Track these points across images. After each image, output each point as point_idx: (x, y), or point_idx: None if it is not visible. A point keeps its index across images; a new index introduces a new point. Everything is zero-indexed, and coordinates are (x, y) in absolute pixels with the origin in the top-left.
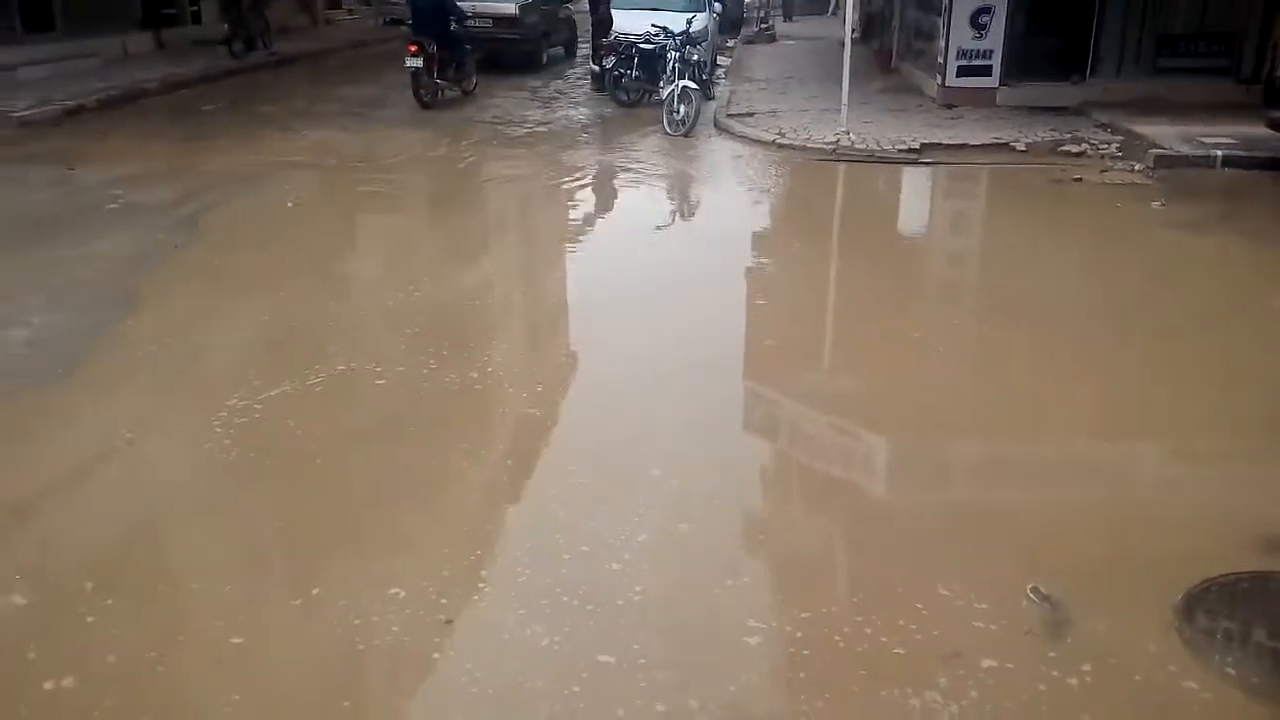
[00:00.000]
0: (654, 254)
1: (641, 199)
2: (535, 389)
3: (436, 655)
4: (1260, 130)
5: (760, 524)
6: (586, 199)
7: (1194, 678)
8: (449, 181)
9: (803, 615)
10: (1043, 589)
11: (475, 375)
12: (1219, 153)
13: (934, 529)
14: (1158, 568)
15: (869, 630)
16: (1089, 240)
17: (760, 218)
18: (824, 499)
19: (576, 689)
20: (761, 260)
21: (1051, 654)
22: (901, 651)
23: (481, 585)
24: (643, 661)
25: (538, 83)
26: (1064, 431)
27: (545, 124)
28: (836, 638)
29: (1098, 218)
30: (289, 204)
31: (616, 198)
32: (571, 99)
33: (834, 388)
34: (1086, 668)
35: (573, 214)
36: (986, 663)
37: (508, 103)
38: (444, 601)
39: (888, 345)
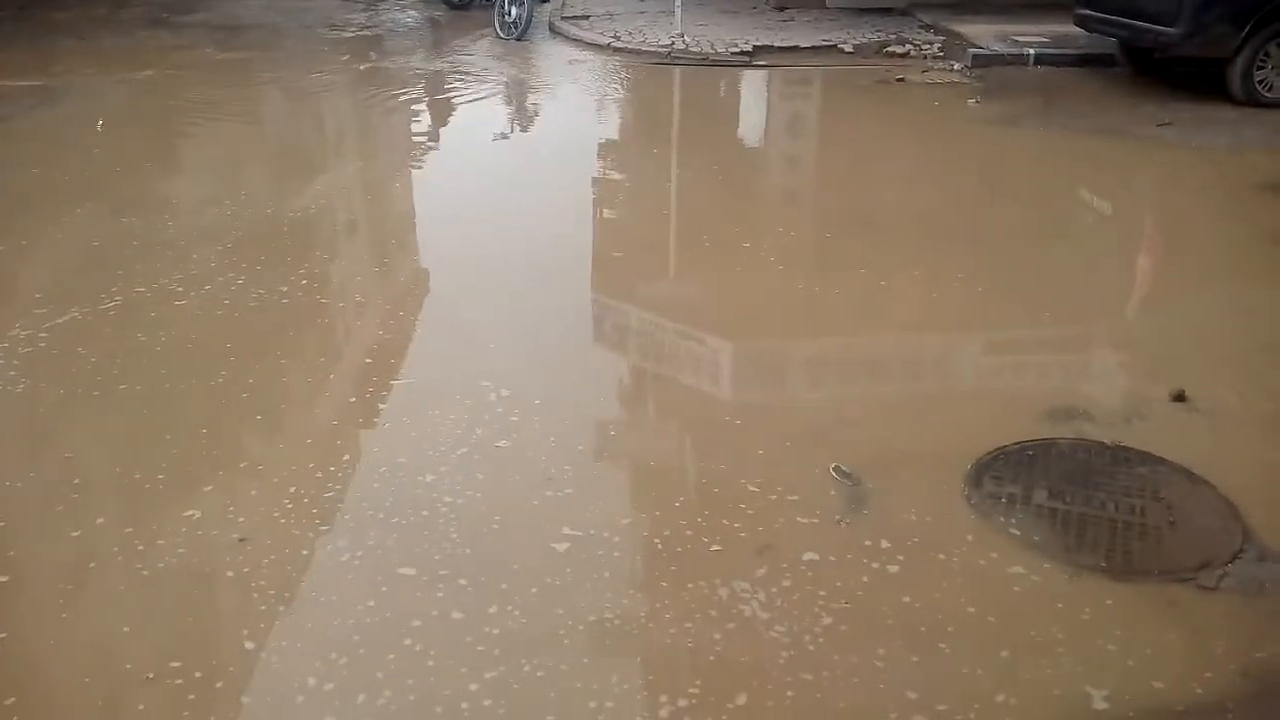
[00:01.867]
0: (494, 164)
1: (477, 107)
2: (362, 302)
3: (230, 574)
4: (1070, 28)
5: (584, 436)
6: (419, 108)
7: (977, 537)
8: (270, 93)
9: (620, 522)
10: (844, 467)
11: (289, 290)
12: (1032, 51)
13: (750, 426)
14: (954, 443)
15: (686, 531)
16: (910, 139)
17: (599, 124)
18: (652, 407)
19: (371, 603)
20: (603, 169)
21: (845, 521)
22: (718, 548)
23: (286, 504)
24: (444, 572)
25: None
26: (879, 330)
27: (369, 28)
28: (654, 540)
29: (918, 116)
30: (98, 123)
31: (450, 106)
32: (399, 2)
33: (666, 297)
34: (885, 542)
35: (405, 124)
36: (798, 550)
37: (329, 5)
38: (241, 520)
39: (725, 253)
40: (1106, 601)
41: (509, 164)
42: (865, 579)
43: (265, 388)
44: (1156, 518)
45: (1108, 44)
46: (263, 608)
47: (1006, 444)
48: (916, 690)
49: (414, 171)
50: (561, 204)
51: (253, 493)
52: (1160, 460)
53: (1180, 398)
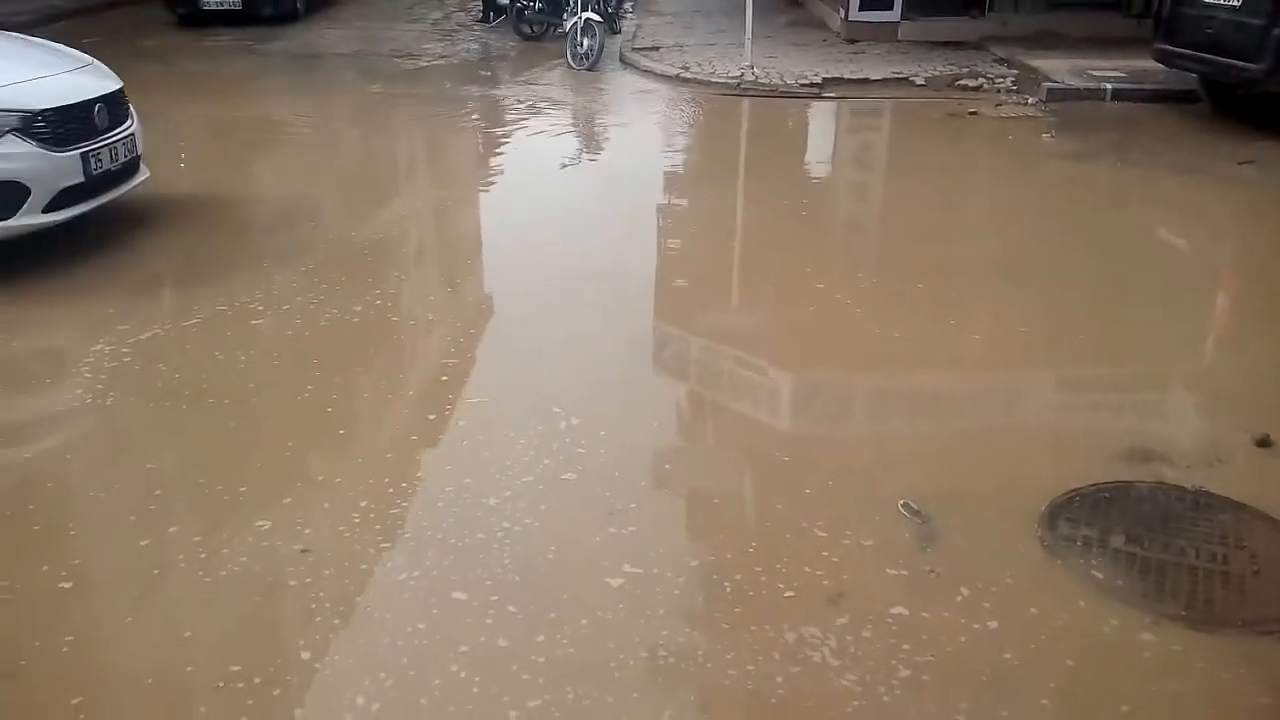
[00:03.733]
0: (564, 192)
1: (548, 136)
2: (438, 327)
3: (292, 583)
4: (1148, 63)
5: (651, 472)
6: (491, 136)
7: (1051, 581)
8: (349, 119)
9: (683, 561)
10: (913, 504)
11: (372, 312)
12: (1108, 86)
13: (824, 465)
14: (1026, 484)
15: (753, 572)
16: (983, 173)
17: (667, 154)
18: (714, 447)
19: (422, 625)
20: (669, 199)
21: (934, 572)
22: (790, 594)
23: (354, 518)
24: (495, 598)
25: (438, 14)
26: (948, 368)
27: (445, 57)
28: (719, 581)
29: (991, 151)
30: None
31: (522, 135)
32: (473, 32)
33: (733, 330)
34: (961, 586)
35: (477, 151)
36: (873, 596)
37: (406, 36)
38: (308, 533)
39: (792, 286)
40: (1186, 652)
41: (579, 192)
42: (944, 622)
43: (348, 403)
44: (1239, 566)
45: (1187, 80)
46: (319, 620)
47: (1081, 486)
48: None
49: (485, 198)
50: (631, 232)
51: (325, 505)
52: (1243, 507)
53: (1265, 443)
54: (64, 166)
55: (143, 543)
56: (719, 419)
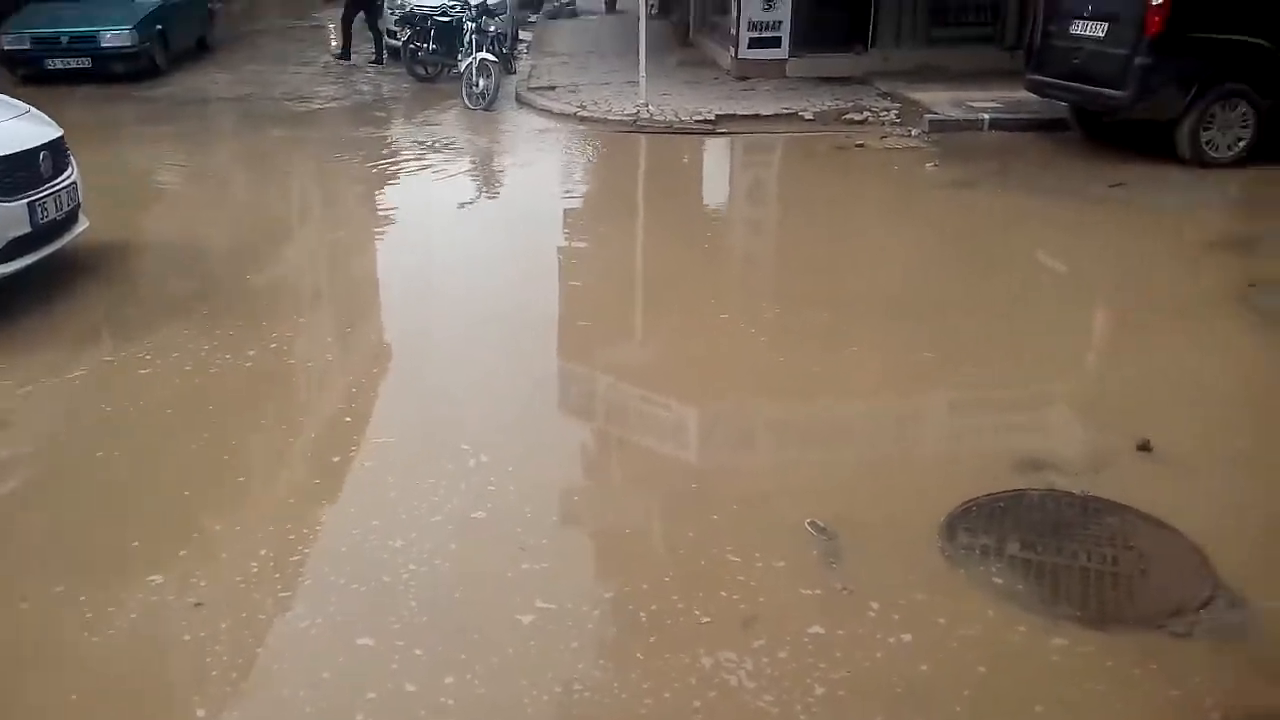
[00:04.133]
0: (463, 232)
1: (445, 176)
2: (338, 369)
3: (186, 638)
4: (1022, 94)
5: (561, 507)
6: (390, 176)
7: (952, 589)
8: (246, 161)
9: (597, 594)
10: (819, 523)
11: (268, 356)
12: (986, 116)
13: (731, 493)
14: (925, 499)
15: (669, 601)
16: (872, 203)
17: (567, 192)
18: (622, 480)
19: (326, 675)
20: (571, 236)
21: (847, 590)
22: (706, 619)
23: (252, 567)
24: (401, 642)
25: (328, 58)
26: (850, 393)
27: (338, 100)
28: (634, 611)
29: (878, 181)
30: None
31: (419, 176)
32: (365, 74)
33: (637, 366)
34: (871, 601)
35: (377, 192)
36: (788, 618)
37: (296, 79)
38: (203, 585)
39: (695, 319)
40: (1085, 651)
41: (480, 232)
42: (858, 639)
43: (246, 450)
44: (1129, 566)
45: (1059, 109)
46: (215, 675)
47: (976, 497)
48: None
49: (384, 240)
50: (533, 271)
51: (222, 556)
52: (1129, 509)
53: (1145, 447)
54: (12, 216)
55: (23, 605)
56: (627, 453)
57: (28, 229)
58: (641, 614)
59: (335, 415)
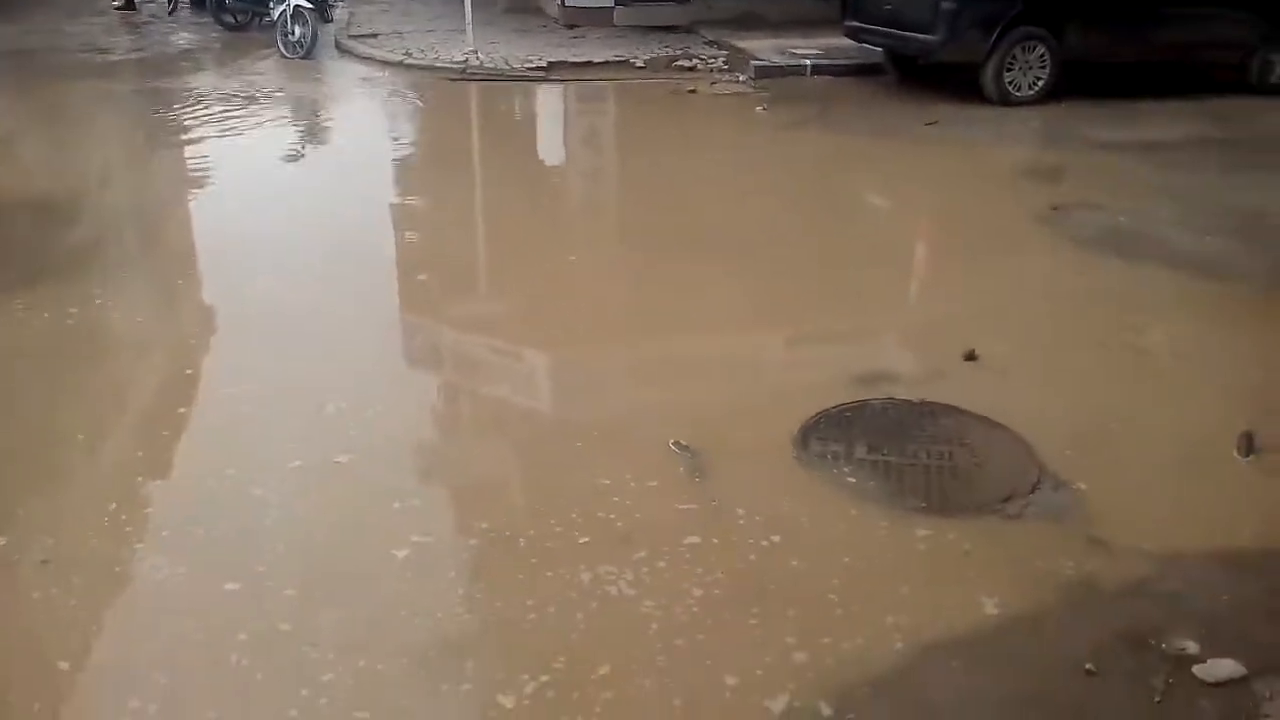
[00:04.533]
0: (289, 188)
1: (268, 126)
2: (168, 327)
3: (36, 595)
4: (841, 40)
5: (424, 449)
6: (204, 130)
7: (810, 489)
8: (47, 116)
9: (472, 524)
10: (682, 441)
11: (95, 314)
12: (809, 62)
13: (588, 427)
14: (777, 416)
15: (545, 526)
16: (706, 145)
17: (400, 140)
18: (486, 420)
19: (191, 623)
20: (407, 186)
21: (715, 501)
22: (585, 539)
23: (103, 520)
24: (270, 584)
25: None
26: (695, 330)
27: (138, 50)
28: (511, 539)
29: (712, 124)
30: None
31: (239, 126)
32: (168, 24)
33: (485, 314)
34: (738, 509)
35: (190, 148)
36: (659, 529)
37: (92, 30)
38: (50, 543)
39: (533, 264)
40: (931, 536)
41: (311, 185)
42: (732, 545)
43: (84, 407)
44: (964, 460)
45: (876, 54)
46: (72, 629)
47: (825, 409)
48: (794, 636)
49: (205, 195)
50: (373, 223)
51: (68, 513)
52: (961, 411)
53: (971, 357)
54: None
55: None
56: (487, 396)
57: None
58: (520, 540)
59: (175, 370)
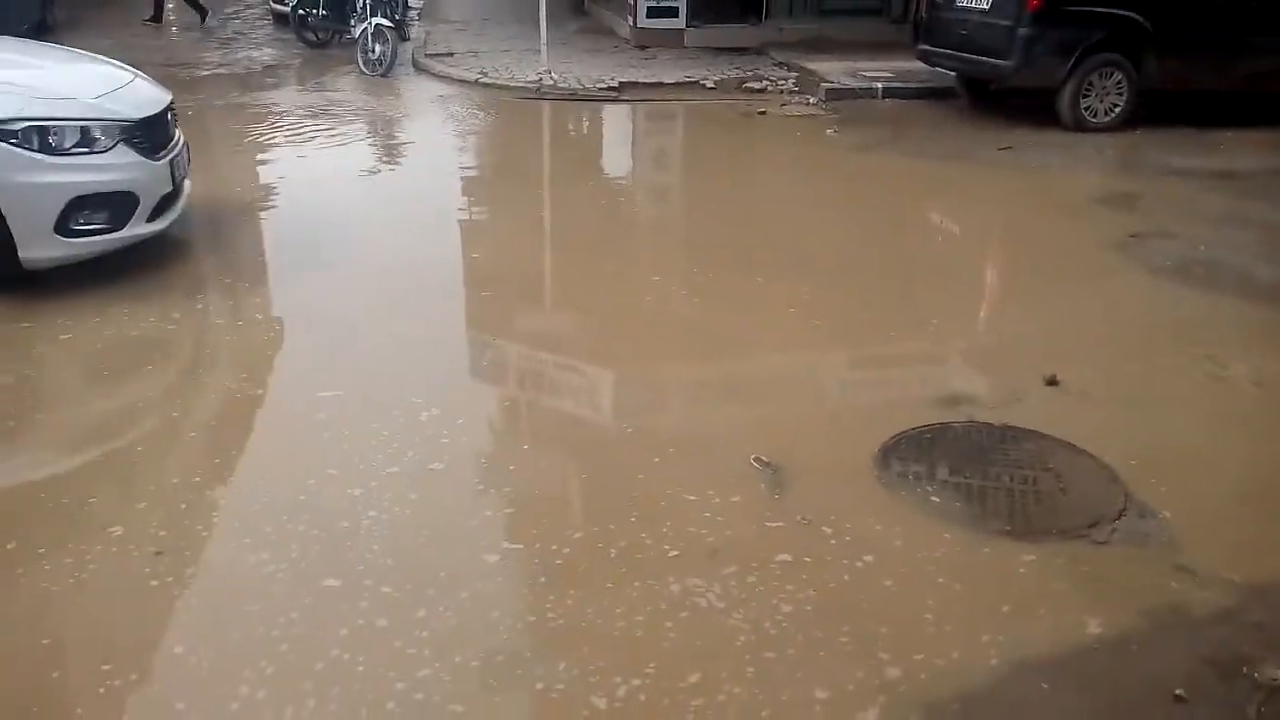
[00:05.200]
0: (364, 200)
1: (346, 141)
2: (265, 330)
3: (154, 583)
4: (913, 63)
5: (521, 457)
6: (283, 142)
7: (892, 511)
8: None
9: (563, 533)
10: (764, 457)
11: (192, 320)
12: (879, 85)
13: (668, 443)
14: (857, 437)
15: (606, 540)
16: (778, 167)
17: (470, 157)
18: (569, 435)
19: (295, 615)
20: (484, 202)
21: (804, 519)
22: (674, 552)
23: (213, 516)
24: (369, 582)
25: (213, 22)
26: (769, 349)
27: (225, 66)
28: (601, 546)
29: (783, 146)
30: None
31: (317, 140)
32: (253, 40)
33: (560, 331)
34: (809, 517)
35: (267, 159)
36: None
37: (179, 46)
38: (163, 534)
39: (618, 285)
40: (1023, 559)
41: (389, 196)
42: (825, 564)
43: (187, 408)
44: (1048, 485)
45: (948, 78)
46: (185, 617)
47: (904, 430)
48: (886, 652)
49: (283, 206)
50: (450, 237)
51: (181, 506)
52: (1043, 436)
53: (1053, 382)
54: (159, 175)
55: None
56: (574, 409)
57: (169, 187)
58: (611, 550)
59: (277, 372)
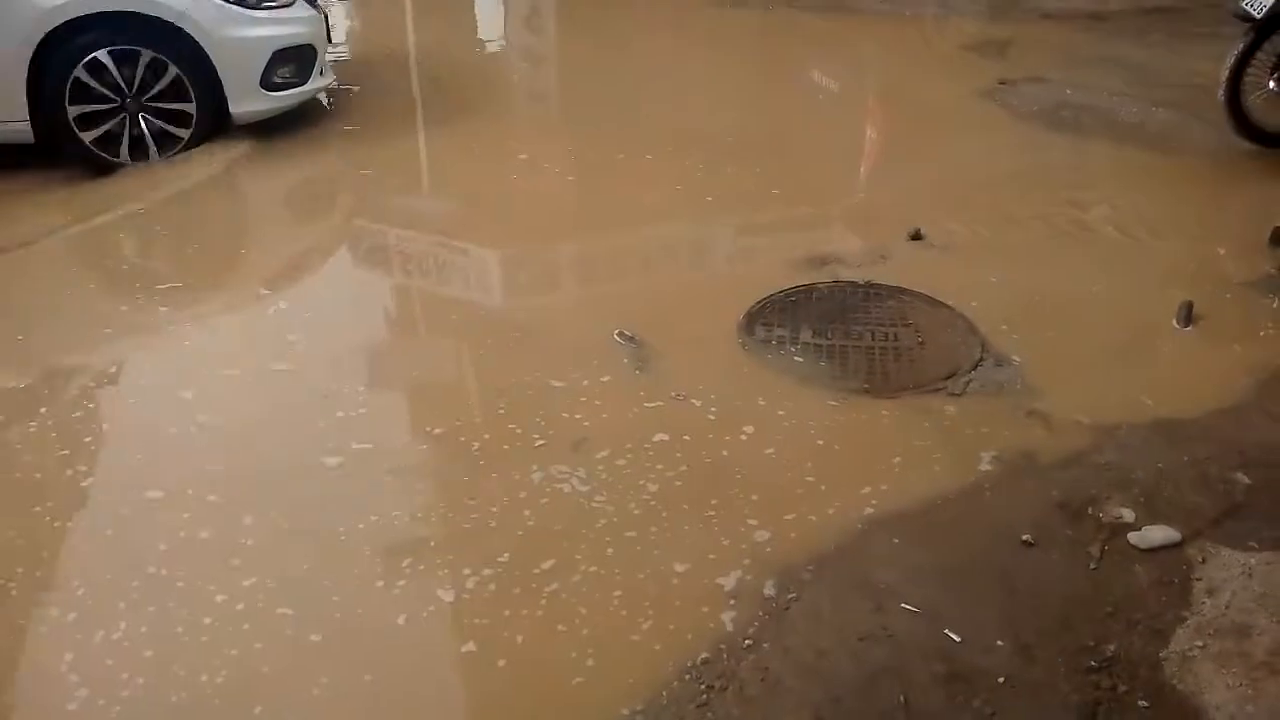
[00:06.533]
0: None
1: None
2: None
3: None
4: None
5: (372, 356)
6: None
7: (754, 375)
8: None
9: (403, 433)
10: (627, 331)
11: None
12: None
13: (538, 324)
14: (723, 302)
15: (470, 434)
16: (646, 25)
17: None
18: (440, 321)
19: (110, 532)
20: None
21: (641, 391)
22: (542, 442)
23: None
24: (191, 492)
25: None
26: (631, 220)
27: None
28: (464, 440)
29: (654, 6)
30: None
31: None
32: None
33: (422, 210)
34: (671, 392)
35: None
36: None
37: None
38: None
39: (486, 160)
40: (868, 415)
41: None
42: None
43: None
44: (908, 340)
45: None
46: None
47: (770, 294)
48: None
49: None
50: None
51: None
52: (905, 291)
53: (917, 236)
54: (323, 29)
55: None
56: (430, 297)
57: (328, 41)
58: (474, 444)
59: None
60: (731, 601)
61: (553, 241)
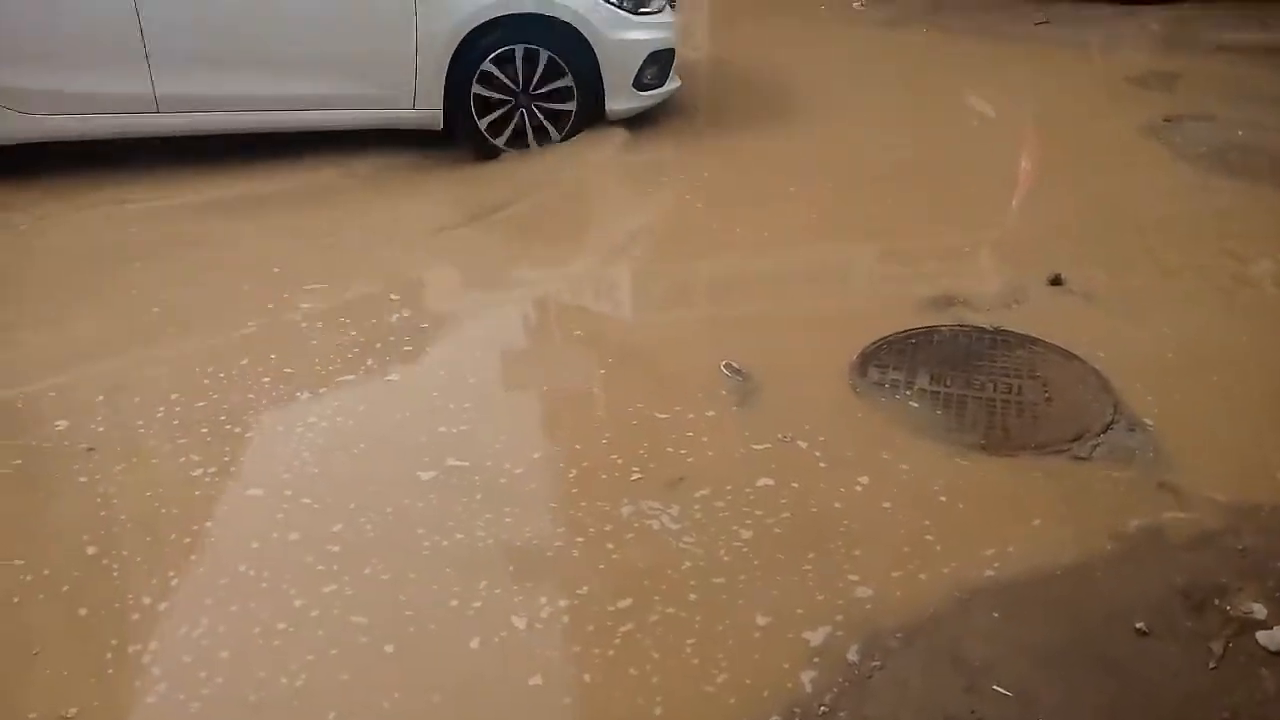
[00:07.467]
0: None
1: None
2: None
3: (82, 480)
4: None
5: (481, 372)
6: None
7: (864, 422)
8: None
9: (503, 453)
10: (734, 364)
11: None
12: None
13: (651, 347)
14: (840, 339)
15: (570, 461)
16: (802, 43)
17: None
18: (553, 337)
19: (209, 525)
20: None
21: (747, 431)
22: (638, 474)
23: (157, 413)
24: (289, 493)
25: None
26: (760, 246)
27: None
28: (562, 466)
29: (808, 21)
30: None
31: None
32: None
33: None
34: (778, 433)
35: None
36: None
37: None
38: (101, 430)
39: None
40: (990, 477)
41: None
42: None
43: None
44: (1033, 395)
45: None
46: (103, 514)
47: (890, 334)
48: (857, 573)
49: None
50: None
51: (135, 399)
52: (1036, 341)
53: (1057, 281)
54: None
55: None
56: (551, 317)
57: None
58: (572, 471)
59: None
60: (815, 659)
61: (675, 264)
